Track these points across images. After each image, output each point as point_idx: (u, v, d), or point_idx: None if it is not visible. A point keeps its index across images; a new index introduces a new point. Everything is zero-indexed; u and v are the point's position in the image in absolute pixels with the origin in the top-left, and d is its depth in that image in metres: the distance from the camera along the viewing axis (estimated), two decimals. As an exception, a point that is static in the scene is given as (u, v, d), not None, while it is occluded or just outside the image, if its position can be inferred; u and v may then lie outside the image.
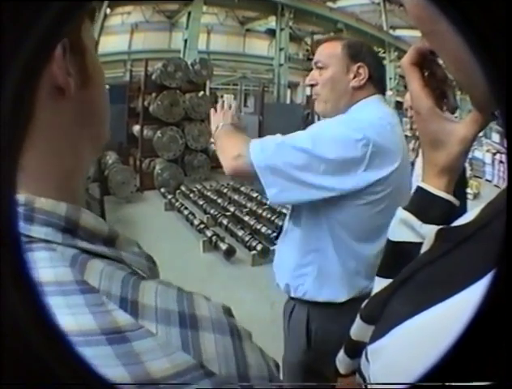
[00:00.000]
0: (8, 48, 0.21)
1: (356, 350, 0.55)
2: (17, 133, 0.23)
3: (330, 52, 1.45)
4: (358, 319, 0.55)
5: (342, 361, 0.64)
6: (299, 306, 1.50)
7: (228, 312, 0.42)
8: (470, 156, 10.32)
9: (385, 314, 0.45)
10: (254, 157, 1.32)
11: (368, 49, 1.49)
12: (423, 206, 0.63)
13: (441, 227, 0.46)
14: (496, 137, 10.11)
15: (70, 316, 0.34)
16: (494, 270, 0.27)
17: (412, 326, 0.38)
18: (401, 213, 0.64)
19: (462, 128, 0.60)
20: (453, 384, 0.29)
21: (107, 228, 0.45)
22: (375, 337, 0.44)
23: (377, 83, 1.45)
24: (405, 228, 0.62)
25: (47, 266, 0.37)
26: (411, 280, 0.43)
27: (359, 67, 1.41)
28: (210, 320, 0.39)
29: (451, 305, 0.35)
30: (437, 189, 0.63)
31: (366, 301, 0.55)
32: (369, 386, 0.48)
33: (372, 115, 1.36)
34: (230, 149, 1.41)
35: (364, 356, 0.48)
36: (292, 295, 1.49)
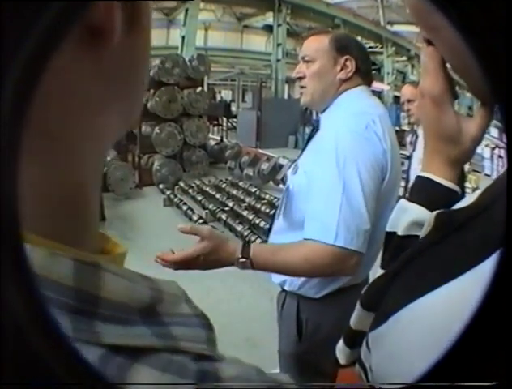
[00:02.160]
0: (8, 48, 0.20)
1: (355, 340, 0.55)
2: (17, 133, 0.22)
3: (317, 46, 1.46)
4: (358, 307, 0.54)
5: (341, 351, 0.63)
6: (289, 298, 1.52)
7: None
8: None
9: (385, 300, 0.44)
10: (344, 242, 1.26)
11: (354, 42, 1.51)
12: (432, 196, 0.61)
13: (440, 211, 0.46)
14: (494, 132, 10.08)
15: None
16: (500, 252, 0.26)
17: (413, 311, 0.38)
18: (405, 205, 0.62)
19: (475, 126, 0.60)
20: (454, 384, 0.29)
21: (149, 293, 0.28)
22: (376, 324, 0.44)
23: (364, 75, 1.46)
24: (411, 220, 0.60)
25: None
26: (410, 265, 0.43)
27: (346, 60, 1.42)
28: None
29: (452, 289, 0.35)
30: (447, 180, 0.62)
31: (366, 288, 0.54)
32: (367, 386, 0.48)
33: (360, 115, 1.36)
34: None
35: (364, 344, 0.48)
36: (284, 287, 1.51)
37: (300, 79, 1.48)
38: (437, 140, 0.62)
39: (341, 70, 1.43)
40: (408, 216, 0.60)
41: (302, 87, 1.49)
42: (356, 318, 0.56)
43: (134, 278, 0.27)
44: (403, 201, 0.64)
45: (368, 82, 1.49)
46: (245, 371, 0.29)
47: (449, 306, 0.35)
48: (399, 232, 0.61)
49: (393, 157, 1.34)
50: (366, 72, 1.48)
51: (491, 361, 0.29)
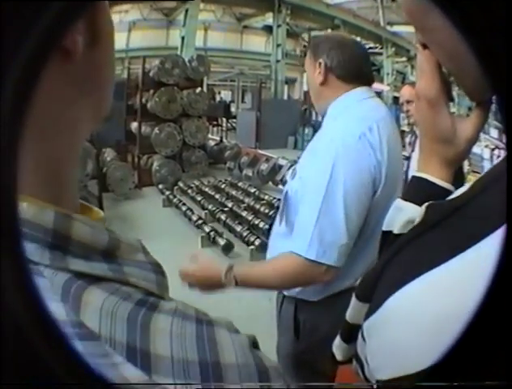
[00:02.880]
0: (8, 48, 0.21)
1: (352, 334, 0.55)
2: (17, 133, 0.22)
3: (307, 56, 1.48)
4: (353, 299, 0.55)
5: (338, 346, 0.64)
6: (287, 299, 1.51)
7: (253, 344, 0.37)
8: (467, 151, 10.28)
9: (377, 290, 0.45)
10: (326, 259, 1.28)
11: (329, 41, 1.44)
12: (427, 196, 0.60)
13: (430, 202, 0.47)
14: (494, 132, 10.09)
15: None
16: (500, 253, 0.27)
17: (401, 298, 0.38)
18: (401, 204, 0.63)
19: (470, 127, 0.61)
20: (456, 384, 0.29)
21: (106, 238, 0.37)
22: (369, 313, 0.44)
23: (343, 74, 1.40)
24: (407, 219, 0.61)
25: None
26: (401, 253, 0.44)
27: (320, 63, 1.40)
28: (236, 367, 0.33)
29: (439, 275, 0.36)
30: (443, 180, 0.63)
31: (360, 279, 0.55)
32: (367, 386, 0.48)
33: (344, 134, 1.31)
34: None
35: (360, 336, 0.48)
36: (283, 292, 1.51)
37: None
38: (432, 141, 0.64)
39: (319, 74, 1.41)
40: (404, 215, 0.61)
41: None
42: (352, 310, 0.57)
43: (98, 227, 0.37)
44: (398, 200, 0.64)
45: (363, 82, 1.42)
46: (184, 308, 0.35)
47: (436, 292, 0.36)
48: (395, 231, 0.61)
49: (390, 165, 1.31)
50: (344, 69, 1.40)
51: (492, 360, 0.29)
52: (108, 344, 0.30)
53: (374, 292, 0.46)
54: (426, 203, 0.47)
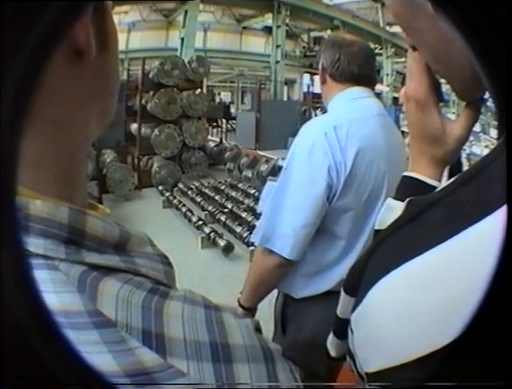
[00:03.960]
0: (8, 48, 0.21)
1: (343, 329, 0.56)
2: (17, 134, 0.22)
3: None
4: (342, 293, 0.55)
5: (331, 342, 0.65)
6: (280, 292, 1.57)
7: (257, 328, 0.39)
8: (468, 151, 10.30)
9: (362, 282, 0.46)
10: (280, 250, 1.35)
11: (327, 42, 1.51)
12: (417, 195, 0.63)
13: (411, 198, 0.48)
14: (494, 132, 10.10)
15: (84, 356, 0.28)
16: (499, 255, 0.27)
17: (382, 288, 0.39)
18: (392, 203, 0.65)
19: (459, 127, 0.62)
20: (456, 384, 0.29)
21: (118, 232, 0.39)
22: (355, 305, 0.45)
23: (338, 75, 1.43)
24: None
25: (49, 291, 0.31)
26: (381, 246, 0.45)
27: (322, 63, 1.46)
28: (244, 348, 0.35)
29: (418, 264, 0.36)
30: (433, 179, 0.64)
31: (347, 273, 0.56)
32: (367, 386, 0.48)
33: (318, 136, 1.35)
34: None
35: (349, 329, 0.48)
36: None
37: None
38: (421, 141, 0.65)
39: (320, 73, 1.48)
40: (395, 214, 0.62)
41: None
42: (341, 304, 0.57)
43: (110, 222, 0.38)
44: (389, 200, 0.66)
45: (360, 82, 1.44)
46: (192, 295, 0.37)
47: (413, 282, 0.36)
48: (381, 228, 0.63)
49: (368, 165, 1.33)
50: (337, 69, 1.43)
51: (493, 360, 0.29)
52: (125, 329, 0.31)
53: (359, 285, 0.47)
54: (408, 198, 0.48)
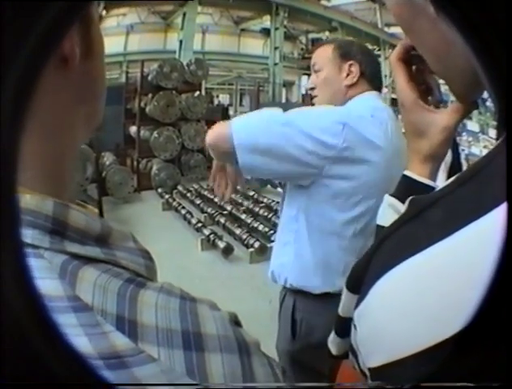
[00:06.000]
0: (8, 48, 0.21)
1: (344, 328, 0.56)
2: (17, 133, 0.23)
3: (323, 54, 1.52)
4: (344, 291, 0.56)
5: (333, 341, 0.65)
6: (288, 294, 1.54)
7: (234, 321, 0.40)
8: (467, 151, 10.31)
9: (365, 279, 0.46)
10: (236, 134, 1.34)
11: (359, 47, 1.53)
12: (407, 192, 0.63)
13: (413, 196, 0.48)
14: (493, 133, 10.12)
15: None
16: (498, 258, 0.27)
17: (385, 282, 0.39)
18: (388, 199, 0.68)
19: (444, 118, 0.63)
20: (456, 384, 0.29)
21: (99, 225, 0.40)
22: (358, 302, 0.45)
23: (370, 79, 1.48)
24: (393, 213, 0.65)
25: (35, 277, 0.32)
26: (385, 243, 0.45)
27: (350, 65, 1.46)
28: (216, 338, 0.36)
29: (420, 260, 0.37)
30: (421, 176, 0.66)
31: (350, 270, 0.57)
32: (367, 386, 0.48)
33: (357, 107, 1.38)
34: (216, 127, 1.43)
35: (352, 326, 0.49)
36: (277, 281, 1.53)
37: (313, 89, 1.55)
38: (409, 138, 0.68)
39: (347, 76, 1.47)
40: (394, 211, 0.65)
41: (314, 96, 1.54)
42: (343, 302, 0.58)
43: (92, 216, 0.40)
44: (387, 196, 0.69)
45: (375, 86, 1.51)
46: (170, 287, 0.38)
47: (416, 277, 0.37)
48: (380, 223, 0.66)
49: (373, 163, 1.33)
50: (373, 76, 1.50)
51: (492, 360, 0.29)
52: (100, 314, 0.33)
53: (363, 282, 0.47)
54: (410, 197, 0.49)
